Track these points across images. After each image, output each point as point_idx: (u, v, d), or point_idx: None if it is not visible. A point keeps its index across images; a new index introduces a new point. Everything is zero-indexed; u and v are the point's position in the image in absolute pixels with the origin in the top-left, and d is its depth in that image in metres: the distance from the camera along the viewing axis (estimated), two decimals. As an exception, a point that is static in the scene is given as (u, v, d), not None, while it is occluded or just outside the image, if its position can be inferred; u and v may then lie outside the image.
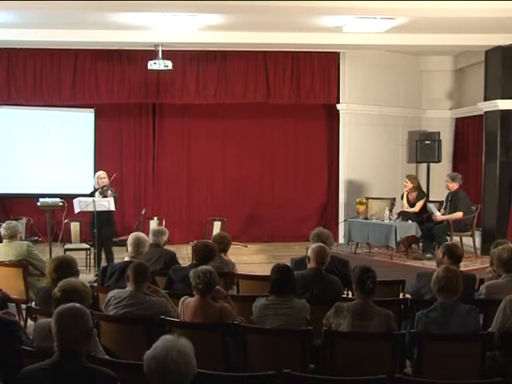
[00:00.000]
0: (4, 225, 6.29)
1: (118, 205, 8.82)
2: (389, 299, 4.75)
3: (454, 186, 9.34)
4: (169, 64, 9.72)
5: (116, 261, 7.09)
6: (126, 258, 5.46)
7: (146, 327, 4.10)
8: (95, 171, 9.76)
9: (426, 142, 11.06)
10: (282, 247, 10.48)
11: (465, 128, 11.50)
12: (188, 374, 2.53)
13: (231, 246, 6.05)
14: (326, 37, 9.47)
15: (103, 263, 8.00)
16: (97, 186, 8.40)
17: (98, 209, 7.91)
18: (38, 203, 8.71)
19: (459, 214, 9.16)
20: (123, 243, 7.41)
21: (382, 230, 9.27)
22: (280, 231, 11.26)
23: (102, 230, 8.05)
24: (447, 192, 9.51)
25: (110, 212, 8.13)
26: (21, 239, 6.65)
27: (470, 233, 9.37)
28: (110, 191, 8.22)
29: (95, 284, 5.78)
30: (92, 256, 8.44)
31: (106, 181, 8.38)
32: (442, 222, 9.20)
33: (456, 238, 9.02)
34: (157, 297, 4.42)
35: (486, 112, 9.95)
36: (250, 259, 9.35)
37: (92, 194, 8.34)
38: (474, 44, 9.64)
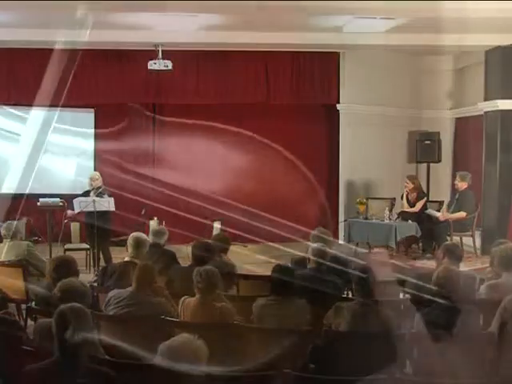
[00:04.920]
0: (4, 225, 6.30)
1: (118, 205, 8.81)
2: (389, 299, 4.75)
3: (463, 185, 9.30)
4: (169, 64, 9.70)
5: (115, 261, 7.08)
6: (126, 258, 5.47)
7: (145, 327, 4.10)
8: (95, 171, 9.77)
9: (426, 141, 11.04)
10: (282, 247, 10.45)
11: (465, 128, 11.50)
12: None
13: (231, 246, 6.05)
14: (326, 37, 9.46)
15: (102, 263, 7.99)
16: (90, 188, 8.31)
17: (98, 209, 7.90)
18: (38, 203, 8.71)
19: (462, 214, 9.13)
20: (123, 243, 7.41)
21: (382, 229, 9.26)
22: (280, 231, 11.23)
23: (98, 231, 7.99)
24: (447, 192, 9.51)
25: (105, 212, 8.10)
26: (21, 239, 6.64)
27: (470, 233, 9.36)
28: (106, 195, 8.16)
29: (95, 284, 5.78)
30: (91, 256, 8.43)
31: (99, 182, 8.32)
32: (443, 220, 9.18)
33: (456, 238, 9.01)
34: (157, 297, 4.42)
35: (485, 112, 9.94)
36: (250, 259, 9.34)
37: (85, 195, 8.27)
38: (474, 44, 9.63)
